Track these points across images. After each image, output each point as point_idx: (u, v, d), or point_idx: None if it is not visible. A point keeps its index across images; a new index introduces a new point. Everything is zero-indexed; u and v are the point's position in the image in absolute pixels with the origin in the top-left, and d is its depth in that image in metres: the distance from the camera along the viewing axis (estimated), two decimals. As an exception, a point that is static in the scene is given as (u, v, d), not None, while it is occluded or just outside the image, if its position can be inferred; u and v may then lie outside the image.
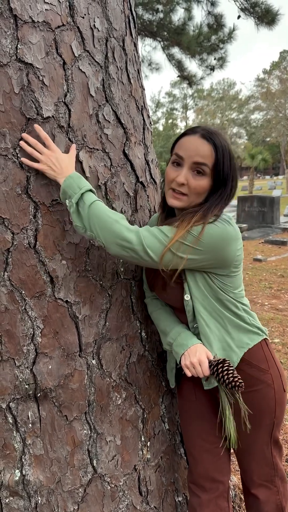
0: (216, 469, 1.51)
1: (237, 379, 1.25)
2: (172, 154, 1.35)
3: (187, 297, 1.37)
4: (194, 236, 1.24)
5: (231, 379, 1.25)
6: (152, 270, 1.47)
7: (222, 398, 1.34)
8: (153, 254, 1.24)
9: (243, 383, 1.25)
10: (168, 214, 1.46)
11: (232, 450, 1.62)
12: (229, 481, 1.56)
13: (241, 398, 1.34)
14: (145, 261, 1.27)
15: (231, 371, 1.27)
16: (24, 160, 1.23)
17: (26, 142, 1.23)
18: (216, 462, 1.51)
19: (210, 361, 1.32)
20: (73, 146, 1.30)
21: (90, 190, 1.27)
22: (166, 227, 1.27)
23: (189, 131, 1.32)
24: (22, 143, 1.23)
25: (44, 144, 1.25)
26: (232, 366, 1.28)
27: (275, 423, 1.46)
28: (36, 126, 1.23)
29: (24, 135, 1.23)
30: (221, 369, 1.27)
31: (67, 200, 1.25)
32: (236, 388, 1.25)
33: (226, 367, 1.27)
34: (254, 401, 1.42)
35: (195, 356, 1.32)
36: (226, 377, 1.26)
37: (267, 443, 1.47)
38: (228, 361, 1.29)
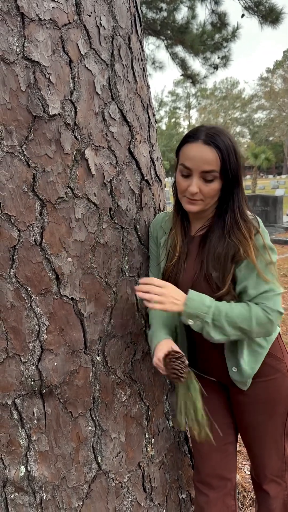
0: (224, 466, 1.52)
1: (180, 372, 1.28)
2: (178, 162, 1.35)
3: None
4: (266, 249, 1.32)
5: (176, 370, 1.28)
6: (180, 269, 1.47)
7: (192, 389, 1.34)
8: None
9: (182, 378, 1.28)
10: (183, 216, 1.48)
11: (243, 446, 1.62)
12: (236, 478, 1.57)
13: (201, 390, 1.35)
14: None
15: (179, 363, 1.29)
16: (153, 306, 1.29)
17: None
18: (224, 459, 1.52)
19: (167, 355, 1.33)
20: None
21: (207, 297, 1.32)
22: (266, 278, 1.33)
23: (191, 138, 1.30)
24: (139, 293, 1.30)
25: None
26: (182, 360, 1.30)
27: None
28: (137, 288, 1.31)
29: (141, 281, 1.30)
30: (173, 363, 1.30)
31: (195, 320, 1.31)
32: (174, 378, 1.28)
33: (178, 361, 1.29)
34: (269, 390, 1.45)
35: (156, 355, 1.37)
36: (173, 370, 1.28)
37: (280, 434, 1.49)
38: (180, 356, 1.31)
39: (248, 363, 1.42)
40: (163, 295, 1.29)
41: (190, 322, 1.32)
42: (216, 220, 1.40)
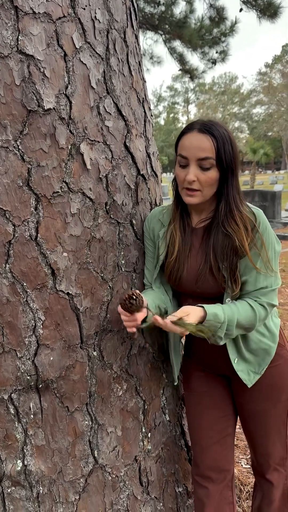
0: (223, 458, 1.54)
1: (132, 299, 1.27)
2: (177, 155, 1.37)
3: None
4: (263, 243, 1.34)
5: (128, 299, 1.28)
6: (182, 264, 1.46)
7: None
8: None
9: (133, 300, 1.27)
10: (182, 210, 1.48)
11: (240, 440, 1.64)
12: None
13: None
14: None
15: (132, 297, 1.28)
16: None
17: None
18: (223, 452, 1.54)
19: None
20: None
21: (222, 310, 1.32)
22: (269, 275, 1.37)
23: (187, 129, 1.34)
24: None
25: None
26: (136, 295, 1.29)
27: None
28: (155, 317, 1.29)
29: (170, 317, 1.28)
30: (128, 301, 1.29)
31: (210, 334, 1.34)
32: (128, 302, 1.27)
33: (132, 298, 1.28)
34: (273, 377, 1.47)
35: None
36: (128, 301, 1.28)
37: (283, 421, 1.51)
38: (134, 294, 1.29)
39: (249, 353, 1.45)
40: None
41: (212, 336, 1.36)
42: (216, 212, 1.40)
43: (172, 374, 1.65)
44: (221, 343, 1.37)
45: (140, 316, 1.32)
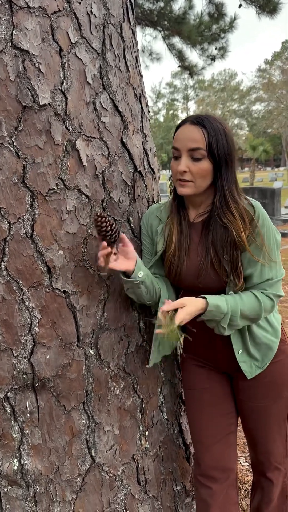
0: (226, 457, 1.53)
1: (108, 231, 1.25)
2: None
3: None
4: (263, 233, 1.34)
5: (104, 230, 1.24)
6: (182, 258, 1.46)
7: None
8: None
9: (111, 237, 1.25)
10: (179, 205, 1.48)
11: (246, 437, 1.63)
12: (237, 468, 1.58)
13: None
14: None
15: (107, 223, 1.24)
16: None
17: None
18: (226, 450, 1.53)
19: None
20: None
21: (225, 301, 1.33)
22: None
23: (181, 123, 1.36)
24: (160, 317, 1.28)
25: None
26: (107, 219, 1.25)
27: None
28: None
29: (162, 309, 1.28)
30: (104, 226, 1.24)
31: (210, 323, 1.38)
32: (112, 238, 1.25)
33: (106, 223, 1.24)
34: (275, 373, 1.47)
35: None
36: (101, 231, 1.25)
37: (284, 418, 1.51)
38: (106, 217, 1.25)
39: (253, 345, 1.45)
40: (182, 312, 1.27)
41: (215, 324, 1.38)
42: (213, 205, 1.40)
43: (151, 357, 1.59)
44: (226, 333, 1.37)
45: (123, 262, 1.33)
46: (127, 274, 1.39)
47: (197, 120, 1.31)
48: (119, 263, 1.33)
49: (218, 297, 1.33)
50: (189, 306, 1.27)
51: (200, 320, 1.35)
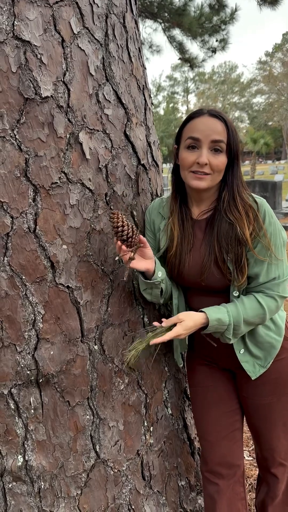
0: (232, 453, 1.53)
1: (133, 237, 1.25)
2: (182, 140, 1.35)
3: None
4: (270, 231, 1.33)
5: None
6: (183, 257, 1.44)
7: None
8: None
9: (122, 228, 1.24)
10: (181, 202, 1.46)
11: (250, 432, 1.62)
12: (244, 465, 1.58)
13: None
14: None
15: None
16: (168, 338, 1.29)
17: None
18: (232, 447, 1.52)
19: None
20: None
21: (226, 313, 1.33)
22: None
23: (196, 114, 1.33)
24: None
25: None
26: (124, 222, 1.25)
27: None
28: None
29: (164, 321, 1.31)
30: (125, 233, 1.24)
31: (215, 334, 1.38)
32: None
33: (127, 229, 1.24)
34: (279, 371, 1.46)
35: None
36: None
37: None
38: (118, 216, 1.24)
39: (255, 347, 1.43)
40: (179, 325, 1.29)
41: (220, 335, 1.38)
42: (219, 201, 1.39)
43: (175, 359, 1.63)
44: (232, 342, 1.37)
45: (142, 263, 1.33)
46: (146, 275, 1.39)
47: (217, 114, 1.30)
48: (139, 263, 1.33)
49: (219, 310, 1.32)
50: (187, 321, 1.29)
51: (204, 333, 1.36)
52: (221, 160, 1.30)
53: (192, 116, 1.33)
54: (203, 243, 1.40)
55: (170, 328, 1.31)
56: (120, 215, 1.23)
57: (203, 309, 1.32)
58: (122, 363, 1.48)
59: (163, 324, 1.30)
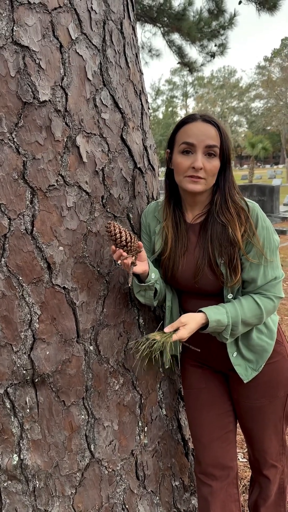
0: (225, 455, 1.53)
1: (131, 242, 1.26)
2: (176, 145, 1.37)
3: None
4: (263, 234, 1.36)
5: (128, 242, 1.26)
6: (176, 261, 1.46)
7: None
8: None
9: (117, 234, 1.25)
10: (175, 206, 1.48)
11: (243, 434, 1.64)
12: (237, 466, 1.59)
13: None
14: None
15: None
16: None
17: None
18: (225, 448, 1.53)
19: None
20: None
21: (225, 313, 1.34)
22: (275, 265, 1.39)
23: (189, 119, 1.35)
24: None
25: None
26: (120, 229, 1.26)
27: None
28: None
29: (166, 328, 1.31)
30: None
31: (212, 333, 1.39)
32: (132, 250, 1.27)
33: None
34: (271, 373, 1.47)
35: None
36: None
37: (280, 417, 1.51)
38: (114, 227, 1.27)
39: (247, 350, 1.45)
40: (182, 328, 1.30)
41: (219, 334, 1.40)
42: (212, 205, 1.41)
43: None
44: (228, 341, 1.39)
45: (139, 266, 1.34)
46: (140, 277, 1.41)
47: (210, 119, 1.33)
48: (139, 267, 1.34)
49: (218, 310, 1.33)
50: (191, 324, 1.30)
51: (202, 332, 1.38)
52: (214, 164, 1.33)
53: (185, 121, 1.36)
54: (197, 246, 1.42)
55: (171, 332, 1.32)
56: (116, 224, 1.26)
57: (202, 309, 1.33)
58: (117, 364, 1.50)
59: (166, 330, 1.31)
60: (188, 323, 1.30)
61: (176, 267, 1.45)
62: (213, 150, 1.32)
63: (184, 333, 1.29)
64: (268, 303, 1.38)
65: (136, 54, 1.59)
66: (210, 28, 8.19)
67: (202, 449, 1.55)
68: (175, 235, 1.45)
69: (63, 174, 1.29)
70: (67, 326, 1.36)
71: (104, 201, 1.40)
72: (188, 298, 1.51)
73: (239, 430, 1.67)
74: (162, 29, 8.61)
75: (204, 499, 1.53)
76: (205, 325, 1.34)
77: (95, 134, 1.35)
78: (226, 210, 1.35)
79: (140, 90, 1.60)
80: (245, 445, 2.46)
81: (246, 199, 1.38)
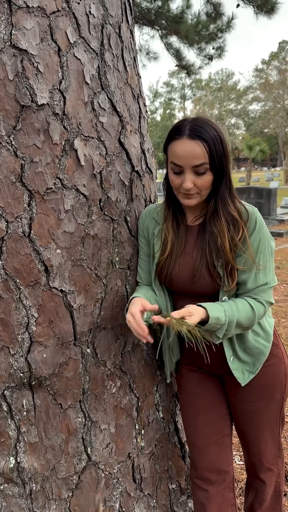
0: (221, 459, 1.53)
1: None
2: (168, 159, 1.37)
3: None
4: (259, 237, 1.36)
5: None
6: (174, 261, 1.46)
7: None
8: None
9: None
10: (174, 209, 1.48)
11: (239, 438, 1.64)
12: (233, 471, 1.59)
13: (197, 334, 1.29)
14: None
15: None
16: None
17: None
18: (221, 452, 1.53)
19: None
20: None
21: (223, 312, 1.33)
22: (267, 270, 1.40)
23: (176, 134, 1.31)
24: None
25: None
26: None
27: (284, 398, 1.52)
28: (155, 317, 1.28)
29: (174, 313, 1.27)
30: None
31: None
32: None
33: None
34: (267, 376, 1.47)
35: (129, 311, 1.32)
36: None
37: (276, 420, 1.51)
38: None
39: (244, 353, 1.45)
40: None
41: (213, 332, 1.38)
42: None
43: (165, 371, 1.65)
44: (218, 342, 1.37)
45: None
46: None
47: (195, 134, 1.26)
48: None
49: (217, 308, 1.32)
50: (196, 315, 1.27)
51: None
52: (205, 179, 1.32)
53: (173, 136, 1.32)
54: (195, 247, 1.43)
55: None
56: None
57: (203, 305, 1.31)
58: (114, 367, 1.50)
59: (175, 315, 1.26)
60: (194, 314, 1.27)
61: (172, 267, 1.45)
62: (201, 168, 1.29)
63: (194, 322, 1.26)
64: (259, 307, 1.38)
65: (134, 57, 1.60)
66: (208, 31, 8.24)
67: (197, 454, 1.55)
68: (175, 237, 1.45)
69: (60, 177, 1.29)
70: (64, 329, 1.36)
71: (101, 204, 1.41)
72: (180, 299, 1.51)
73: (234, 433, 1.66)
74: (160, 31, 8.64)
75: (200, 504, 1.53)
76: (204, 321, 1.32)
77: (93, 138, 1.36)
78: (218, 220, 1.36)
79: (138, 94, 1.60)
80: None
81: (246, 204, 1.38)
